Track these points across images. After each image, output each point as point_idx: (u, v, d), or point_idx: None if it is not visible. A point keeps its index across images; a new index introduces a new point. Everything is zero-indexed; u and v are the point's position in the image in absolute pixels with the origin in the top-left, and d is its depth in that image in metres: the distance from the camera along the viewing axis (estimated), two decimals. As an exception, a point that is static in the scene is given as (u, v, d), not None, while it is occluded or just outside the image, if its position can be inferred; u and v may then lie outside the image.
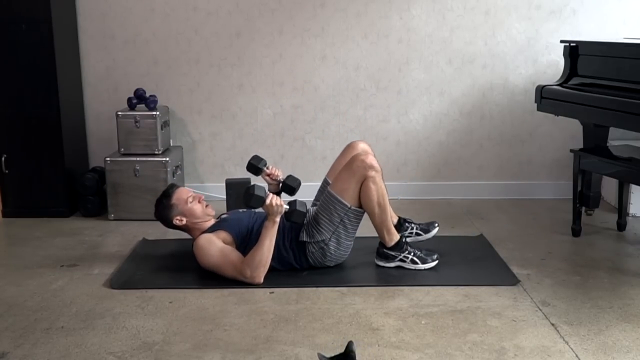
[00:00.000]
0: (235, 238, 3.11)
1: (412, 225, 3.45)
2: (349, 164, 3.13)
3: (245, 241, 3.11)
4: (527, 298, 2.88)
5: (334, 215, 3.09)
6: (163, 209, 3.24)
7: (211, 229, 3.16)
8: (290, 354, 2.42)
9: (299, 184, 3.38)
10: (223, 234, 3.11)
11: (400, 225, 3.40)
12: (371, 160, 3.09)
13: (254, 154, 3.41)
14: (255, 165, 3.35)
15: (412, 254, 3.18)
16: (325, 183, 3.39)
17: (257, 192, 3.00)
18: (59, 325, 2.67)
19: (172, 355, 2.43)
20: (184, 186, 4.40)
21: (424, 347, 2.46)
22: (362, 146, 3.37)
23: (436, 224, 3.48)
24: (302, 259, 3.16)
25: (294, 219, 3.06)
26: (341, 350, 2.07)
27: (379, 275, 3.15)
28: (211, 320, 2.70)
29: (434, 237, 3.69)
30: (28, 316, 2.75)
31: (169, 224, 3.24)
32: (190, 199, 3.22)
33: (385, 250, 3.19)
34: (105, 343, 2.52)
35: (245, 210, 3.35)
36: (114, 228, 3.92)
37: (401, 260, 3.18)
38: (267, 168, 3.36)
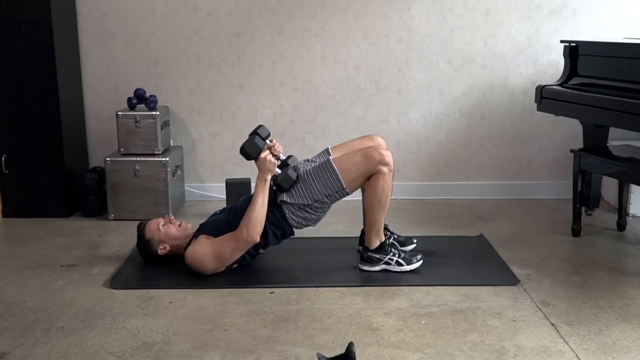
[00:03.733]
0: (215, 236, 3.11)
1: (391, 235, 3.37)
2: (366, 150, 3.09)
3: (226, 233, 3.10)
4: (527, 298, 2.88)
5: (325, 187, 3.05)
6: (145, 249, 3.26)
7: (192, 238, 3.18)
8: (290, 354, 2.42)
9: (297, 168, 3.16)
10: (204, 236, 3.12)
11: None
12: (390, 157, 3.06)
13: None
14: (260, 136, 3.11)
15: (396, 255, 3.16)
16: (326, 152, 3.30)
17: (257, 141, 3.03)
18: (59, 325, 2.67)
19: (172, 355, 2.43)
20: (184, 186, 4.43)
21: (424, 347, 2.46)
22: (381, 141, 3.32)
23: (414, 240, 3.43)
24: (284, 226, 3.11)
25: (279, 181, 3.04)
26: (341, 350, 2.07)
27: (379, 275, 3.15)
28: (211, 320, 2.70)
29: (434, 237, 3.70)
30: (28, 316, 2.75)
31: (158, 259, 3.24)
32: (161, 225, 3.23)
33: (369, 254, 3.17)
34: (105, 343, 2.52)
35: (221, 209, 3.34)
36: (114, 228, 3.92)
37: (386, 263, 3.16)
38: (271, 141, 3.16)
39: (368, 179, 3.08)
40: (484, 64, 4.36)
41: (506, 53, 4.35)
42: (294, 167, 3.14)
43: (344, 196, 3.11)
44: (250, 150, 3.05)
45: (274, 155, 3.11)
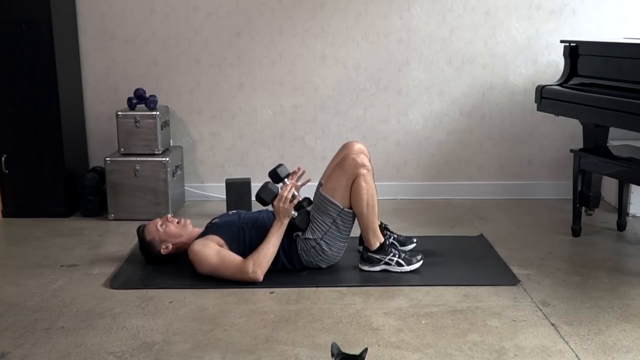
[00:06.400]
0: (227, 241, 3.11)
1: (391, 234, 3.38)
2: (340, 163, 3.13)
3: (237, 243, 3.11)
4: (527, 298, 2.88)
5: (327, 216, 3.09)
6: (148, 252, 3.26)
7: (202, 235, 3.17)
8: (290, 354, 2.42)
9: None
10: (215, 238, 3.11)
11: (380, 230, 3.34)
12: (362, 159, 3.08)
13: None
14: (279, 175, 3.17)
15: (396, 256, 3.16)
16: (319, 186, 3.33)
17: (270, 186, 3.09)
18: (59, 325, 2.67)
19: (172, 355, 2.43)
20: (184, 186, 4.43)
21: (424, 347, 2.46)
22: (358, 147, 3.29)
23: (414, 240, 3.43)
24: (293, 258, 3.15)
25: (297, 223, 3.10)
26: (349, 350, 2.11)
27: (379, 275, 3.15)
28: (211, 320, 2.70)
29: (434, 237, 3.70)
30: (28, 316, 2.75)
31: (162, 259, 3.25)
32: (159, 225, 3.24)
33: (370, 255, 3.17)
34: (105, 343, 2.52)
35: (235, 212, 3.36)
36: (114, 228, 3.92)
37: (386, 263, 3.16)
38: (288, 179, 3.20)
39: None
40: (484, 64, 4.36)
41: (506, 53, 4.35)
42: (307, 208, 3.16)
43: (350, 217, 3.12)
44: (266, 196, 3.09)
45: (292, 197, 3.11)
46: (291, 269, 3.17)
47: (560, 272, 3.18)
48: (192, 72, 4.40)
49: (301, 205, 3.16)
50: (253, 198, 3.93)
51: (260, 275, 3.03)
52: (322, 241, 3.11)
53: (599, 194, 3.82)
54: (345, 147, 3.34)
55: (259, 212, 3.29)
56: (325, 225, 3.10)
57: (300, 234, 3.12)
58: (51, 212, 4.12)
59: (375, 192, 3.12)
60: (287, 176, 3.20)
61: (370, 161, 3.17)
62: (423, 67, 4.37)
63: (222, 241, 3.11)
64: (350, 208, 3.10)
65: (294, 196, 3.12)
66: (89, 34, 4.34)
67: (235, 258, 3.06)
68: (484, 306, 2.80)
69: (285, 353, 2.43)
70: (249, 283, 3.02)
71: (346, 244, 3.20)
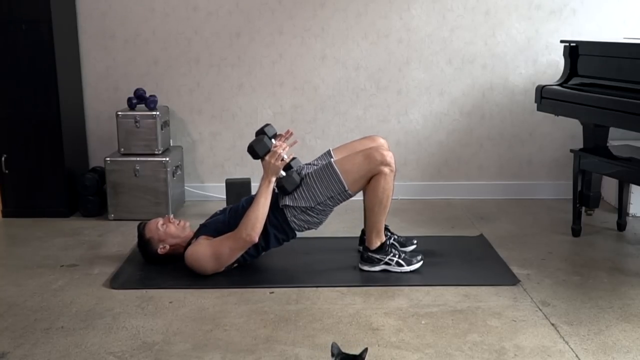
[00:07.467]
0: (217, 237, 3.11)
1: (391, 235, 3.36)
2: (368, 151, 3.09)
3: (225, 232, 3.11)
4: (527, 298, 2.88)
5: (327, 189, 3.05)
6: (145, 249, 3.26)
7: (193, 238, 3.19)
8: (290, 354, 2.42)
9: (300, 171, 3.15)
10: (204, 237, 3.12)
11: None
12: (391, 158, 3.07)
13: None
14: (267, 134, 3.12)
15: (396, 256, 3.15)
16: (327, 154, 3.32)
17: (266, 141, 3.03)
18: (59, 325, 2.67)
19: (172, 355, 2.43)
20: (184, 186, 4.43)
21: (424, 347, 2.46)
22: (383, 141, 3.33)
23: (415, 241, 3.42)
24: (285, 228, 3.12)
25: (283, 183, 3.03)
26: (349, 350, 2.11)
27: (379, 275, 3.15)
28: (211, 320, 2.70)
29: (434, 236, 3.70)
30: (28, 316, 2.75)
31: (159, 258, 3.25)
32: (160, 224, 3.25)
33: (370, 254, 3.16)
34: (105, 343, 2.52)
35: (222, 209, 3.34)
36: (114, 228, 3.92)
37: (386, 263, 3.15)
38: (275, 138, 3.17)
39: (370, 180, 3.07)
40: (484, 64, 4.36)
41: (506, 53, 4.35)
42: (297, 170, 3.13)
43: (347, 198, 3.11)
44: (259, 149, 3.05)
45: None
46: (285, 240, 3.16)
47: (560, 272, 3.18)
48: (192, 72, 4.40)
49: (289, 167, 3.12)
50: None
51: (255, 236, 3.00)
52: (314, 209, 3.08)
53: (599, 194, 3.82)
54: (370, 139, 3.35)
55: (239, 203, 3.27)
56: (320, 196, 3.06)
57: (288, 202, 3.07)
58: (51, 212, 4.12)
59: (391, 193, 3.10)
60: (275, 136, 3.16)
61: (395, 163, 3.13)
62: (423, 67, 4.37)
63: (212, 238, 3.12)
64: (354, 192, 3.08)
65: (282, 159, 3.08)
66: (89, 33, 4.34)
67: (227, 234, 3.06)
68: (484, 306, 2.80)
69: (285, 353, 2.43)
70: (250, 282, 3.03)
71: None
